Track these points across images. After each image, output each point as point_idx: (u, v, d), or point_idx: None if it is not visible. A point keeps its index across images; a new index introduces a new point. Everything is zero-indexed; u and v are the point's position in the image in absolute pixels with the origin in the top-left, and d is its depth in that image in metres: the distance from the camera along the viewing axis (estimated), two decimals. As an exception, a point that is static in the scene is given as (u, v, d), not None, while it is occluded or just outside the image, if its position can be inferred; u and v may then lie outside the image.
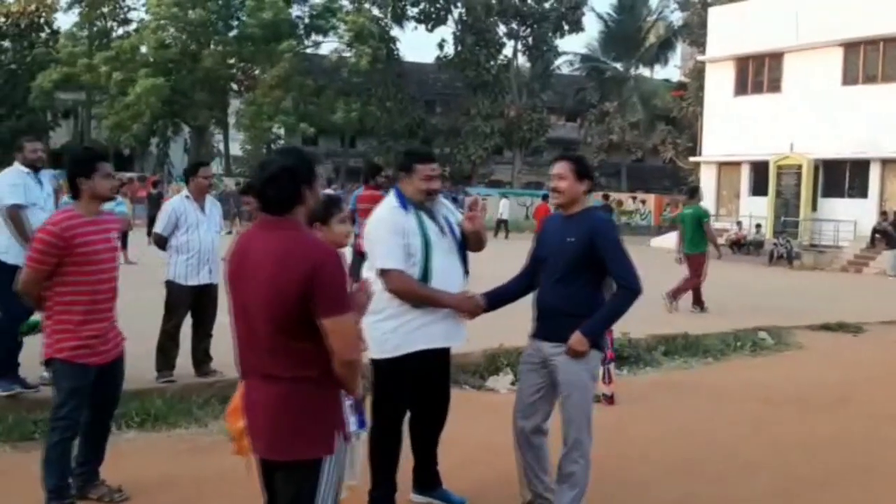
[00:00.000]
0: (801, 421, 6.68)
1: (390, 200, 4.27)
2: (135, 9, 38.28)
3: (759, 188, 27.65)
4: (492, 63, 40.74)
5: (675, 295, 12.01)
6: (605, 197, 25.36)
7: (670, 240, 30.66)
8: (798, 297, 14.57)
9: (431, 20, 41.27)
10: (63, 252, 3.97)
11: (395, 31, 41.49)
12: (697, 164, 31.51)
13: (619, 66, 47.28)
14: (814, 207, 25.95)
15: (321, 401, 2.81)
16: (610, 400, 6.95)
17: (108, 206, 6.11)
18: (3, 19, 37.03)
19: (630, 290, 4.02)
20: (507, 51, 42.88)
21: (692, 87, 35.46)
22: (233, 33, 36.47)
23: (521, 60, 43.94)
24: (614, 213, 27.54)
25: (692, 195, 13.13)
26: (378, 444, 4.30)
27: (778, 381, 8.16)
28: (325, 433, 2.82)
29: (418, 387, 4.35)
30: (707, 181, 29.92)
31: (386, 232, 4.14)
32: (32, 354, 5.55)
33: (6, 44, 37.63)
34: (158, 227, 6.66)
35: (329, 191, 6.40)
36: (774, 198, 26.45)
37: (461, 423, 5.00)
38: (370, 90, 39.85)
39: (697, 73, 33.70)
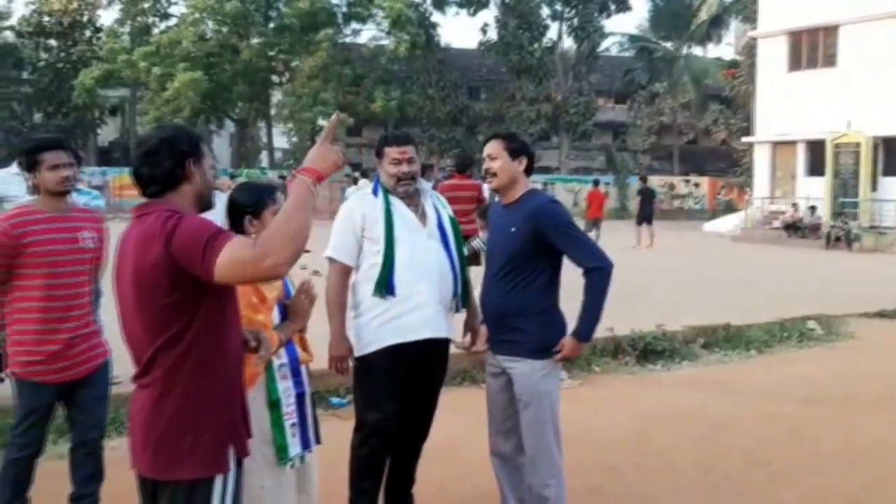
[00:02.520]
0: (842, 424, 6.00)
1: (368, 188, 3.99)
2: (175, 3, 38.48)
3: (815, 168, 26.48)
4: (535, 46, 39.90)
5: None
6: (644, 179, 24.51)
7: (725, 224, 29.78)
8: (855, 282, 13.72)
9: (473, 4, 40.50)
10: (13, 252, 3.51)
11: (436, 17, 41.01)
12: (751, 145, 30.40)
13: (668, 45, 46.00)
14: (874, 187, 24.71)
15: (199, 410, 2.40)
16: None
17: (81, 199, 5.78)
18: (47, 18, 37.56)
19: (601, 269, 3.55)
20: (552, 33, 42.04)
21: (745, 65, 34.20)
22: (271, 24, 36.36)
23: (567, 43, 43.04)
24: (657, 196, 26.40)
25: None
26: (359, 457, 3.85)
27: (822, 377, 7.48)
28: (209, 447, 2.41)
29: (402, 389, 3.87)
30: (761, 162, 28.83)
31: (339, 222, 3.89)
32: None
33: (52, 42, 38.15)
34: None
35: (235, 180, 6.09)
36: (832, 178, 25.31)
37: (475, 427, 4.59)
38: (411, 78, 39.45)
39: (750, 49, 32.47)
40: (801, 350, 8.82)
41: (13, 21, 40.42)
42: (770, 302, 10.95)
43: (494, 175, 3.67)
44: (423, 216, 3.87)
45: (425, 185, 4.00)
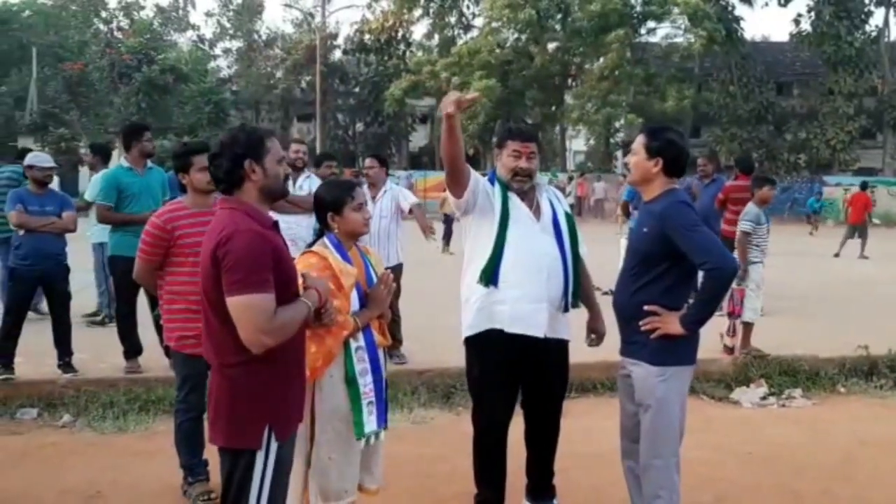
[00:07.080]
0: None
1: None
2: (478, 15, 40.33)
3: None
4: (855, 35, 36.25)
5: None
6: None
7: None
8: None
9: (785, -5, 37.92)
10: (168, 243, 4.10)
11: (741, 10, 38.86)
12: None
13: None
14: None
15: (246, 389, 2.66)
16: (730, 351, 7.37)
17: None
18: (367, 36, 41.38)
19: (716, 269, 3.34)
20: (876, 20, 37.96)
21: None
22: (564, 29, 36.67)
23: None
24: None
25: None
26: (477, 442, 3.95)
27: None
28: (247, 424, 2.66)
29: (523, 384, 3.92)
30: None
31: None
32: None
33: (371, 57, 41.94)
34: None
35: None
36: None
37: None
38: (711, 75, 37.78)
39: None
40: None
41: (340, 41, 45.33)
42: None
43: (630, 170, 3.63)
44: (537, 210, 3.84)
45: (542, 179, 3.94)
